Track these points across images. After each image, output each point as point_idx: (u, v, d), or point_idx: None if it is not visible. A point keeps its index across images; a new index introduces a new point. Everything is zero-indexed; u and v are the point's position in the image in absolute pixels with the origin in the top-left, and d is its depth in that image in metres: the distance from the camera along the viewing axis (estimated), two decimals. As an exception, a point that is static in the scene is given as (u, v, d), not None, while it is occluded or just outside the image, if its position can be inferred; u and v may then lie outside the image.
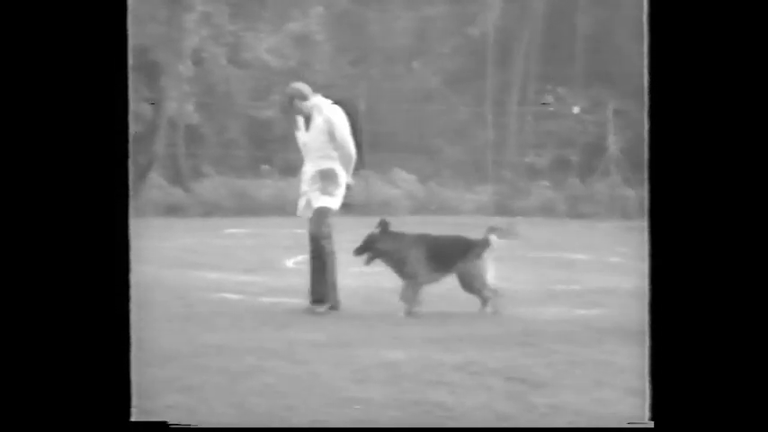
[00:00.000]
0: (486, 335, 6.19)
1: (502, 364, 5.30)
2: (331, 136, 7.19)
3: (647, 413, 3.72)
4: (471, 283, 7.15)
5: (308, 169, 7.33)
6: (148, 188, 17.84)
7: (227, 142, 21.09)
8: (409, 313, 7.00)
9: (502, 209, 19.39)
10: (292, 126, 7.49)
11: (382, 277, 9.02)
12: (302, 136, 7.41)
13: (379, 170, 20.04)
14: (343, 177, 7.28)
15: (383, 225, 7.24)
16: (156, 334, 6.11)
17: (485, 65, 21.98)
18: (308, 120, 7.34)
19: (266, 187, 18.99)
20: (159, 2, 20.90)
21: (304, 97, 7.28)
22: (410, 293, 7.10)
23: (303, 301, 7.29)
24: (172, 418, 4.17)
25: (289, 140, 9.49)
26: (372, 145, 20.23)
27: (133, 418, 3.92)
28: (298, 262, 9.49)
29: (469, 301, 7.81)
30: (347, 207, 7.55)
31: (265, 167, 19.87)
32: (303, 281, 7.36)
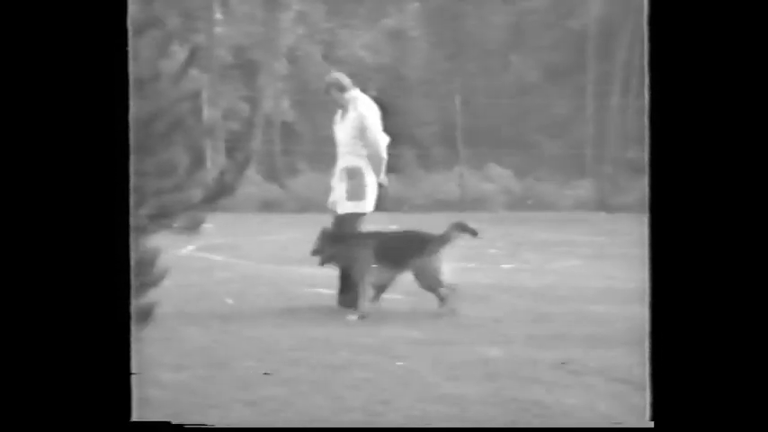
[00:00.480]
0: (587, 334, 6.03)
1: (603, 363, 5.15)
2: (362, 133, 6.92)
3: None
4: (426, 281, 6.73)
5: (338, 165, 7.09)
6: (246, 184, 18.15)
7: (322, 139, 21.25)
8: (363, 317, 6.55)
9: (601, 204, 18.97)
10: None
11: (479, 274, 8.92)
12: (337, 129, 7.15)
13: (474, 165, 19.86)
14: (372, 177, 6.98)
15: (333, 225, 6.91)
16: (254, 327, 6.18)
17: (584, 57, 21.54)
18: (344, 112, 7.06)
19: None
20: (257, 2, 21.23)
21: (342, 88, 7.00)
22: (361, 295, 6.67)
23: (398, 297, 7.25)
24: (265, 409, 4.18)
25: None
26: (469, 140, 20.06)
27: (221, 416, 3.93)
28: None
29: (568, 299, 7.63)
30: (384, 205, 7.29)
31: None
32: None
